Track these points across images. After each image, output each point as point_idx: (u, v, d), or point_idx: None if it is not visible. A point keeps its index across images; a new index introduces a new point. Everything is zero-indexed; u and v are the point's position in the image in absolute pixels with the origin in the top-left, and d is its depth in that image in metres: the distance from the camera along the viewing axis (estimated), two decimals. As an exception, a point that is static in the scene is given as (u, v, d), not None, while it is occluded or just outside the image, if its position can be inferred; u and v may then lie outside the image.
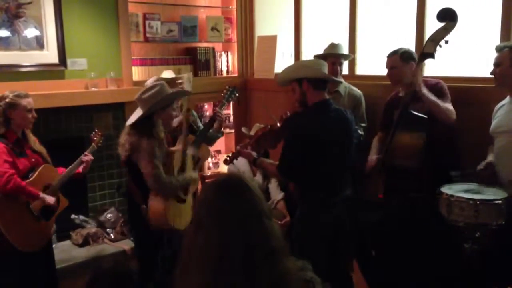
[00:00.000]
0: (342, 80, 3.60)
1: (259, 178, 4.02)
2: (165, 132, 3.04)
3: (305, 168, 2.68)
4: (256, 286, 1.26)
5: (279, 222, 3.66)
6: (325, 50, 3.68)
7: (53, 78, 3.86)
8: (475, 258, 2.55)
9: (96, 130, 3.39)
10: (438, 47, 2.83)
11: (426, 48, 2.86)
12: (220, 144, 4.94)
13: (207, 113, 4.96)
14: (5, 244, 2.78)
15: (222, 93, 3.53)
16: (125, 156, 2.90)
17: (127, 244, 3.90)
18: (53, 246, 3.43)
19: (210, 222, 1.31)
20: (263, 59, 4.75)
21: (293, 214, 3.19)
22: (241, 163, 3.71)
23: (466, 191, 2.66)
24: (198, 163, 3.35)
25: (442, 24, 2.80)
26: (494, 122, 2.79)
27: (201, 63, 4.77)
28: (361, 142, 3.41)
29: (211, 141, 3.61)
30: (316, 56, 3.66)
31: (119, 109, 4.17)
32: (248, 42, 5.00)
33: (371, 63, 3.90)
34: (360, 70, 4.02)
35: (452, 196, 2.59)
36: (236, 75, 5.06)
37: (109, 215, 4.07)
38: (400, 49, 3.18)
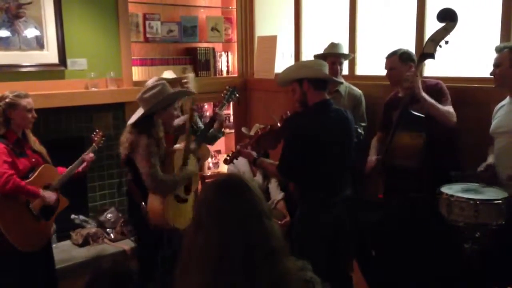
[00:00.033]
0: (342, 80, 3.60)
1: (259, 178, 4.02)
2: (167, 132, 3.05)
3: (305, 168, 2.68)
4: (256, 286, 1.26)
5: (279, 222, 3.66)
6: (325, 50, 3.68)
7: (53, 78, 3.87)
8: (475, 258, 2.55)
9: (97, 130, 3.39)
10: (438, 47, 2.83)
11: (426, 48, 2.86)
12: (220, 144, 4.94)
13: (207, 113, 4.97)
14: (5, 244, 2.78)
15: (222, 94, 3.53)
16: (125, 154, 2.91)
17: (127, 244, 3.90)
18: (53, 246, 3.44)
19: (210, 222, 1.31)
20: (263, 59, 4.75)
21: (293, 214, 3.19)
22: (241, 163, 3.71)
23: (466, 191, 2.66)
24: (198, 162, 3.35)
25: (442, 24, 2.80)
26: (494, 123, 2.79)
27: (201, 63, 4.77)
28: (361, 141, 3.41)
29: (212, 140, 3.61)
30: (316, 56, 3.66)
31: (119, 109, 4.17)
32: (248, 42, 5.01)
33: (371, 63, 3.89)
34: (360, 70, 4.02)
35: (452, 196, 2.59)
36: (236, 75, 5.06)
37: (109, 215, 4.07)
38: (399, 50, 3.18)
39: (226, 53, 5.03)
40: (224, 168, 4.69)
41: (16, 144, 2.89)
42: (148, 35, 4.43)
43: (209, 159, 4.88)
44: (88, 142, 3.43)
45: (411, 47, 3.36)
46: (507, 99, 2.76)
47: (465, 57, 3.31)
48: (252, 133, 3.61)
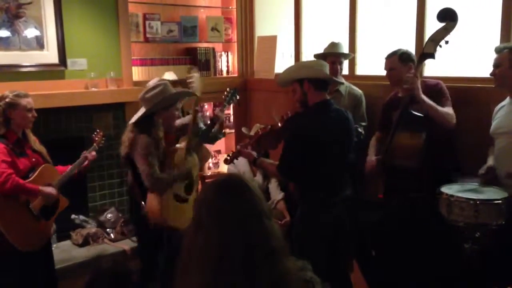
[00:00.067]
0: (343, 80, 3.60)
1: (259, 178, 4.02)
2: (168, 132, 3.05)
3: (305, 168, 2.68)
4: (256, 286, 1.26)
5: (279, 222, 3.66)
6: (325, 49, 3.68)
7: (53, 78, 3.87)
8: (475, 258, 2.55)
9: (97, 130, 3.39)
10: (438, 47, 2.83)
11: (426, 48, 2.86)
12: (220, 144, 4.94)
13: (207, 113, 4.97)
14: (5, 244, 2.78)
15: (223, 95, 3.53)
16: (125, 153, 2.92)
17: (127, 244, 3.91)
18: (53, 246, 3.44)
19: (210, 222, 1.31)
20: (263, 59, 4.75)
21: (293, 214, 3.19)
22: (241, 163, 3.71)
23: (466, 191, 2.65)
24: (200, 163, 3.35)
25: (442, 24, 2.80)
26: (494, 123, 2.79)
27: (201, 63, 4.77)
28: (361, 141, 3.41)
29: (212, 140, 3.61)
30: (316, 55, 3.66)
31: (119, 109, 4.17)
32: (248, 42, 5.00)
33: (371, 63, 3.90)
34: (360, 70, 4.02)
35: (452, 196, 2.59)
36: (236, 75, 5.06)
37: (109, 215, 4.07)
38: (399, 50, 3.18)
39: (226, 53, 5.03)
40: (224, 168, 4.69)
41: (16, 144, 2.89)
42: (148, 35, 4.43)
43: (209, 159, 4.87)
44: (88, 142, 3.43)
45: (411, 47, 3.36)
46: (507, 99, 2.76)
47: (465, 57, 3.31)
48: (252, 133, 3.61)
